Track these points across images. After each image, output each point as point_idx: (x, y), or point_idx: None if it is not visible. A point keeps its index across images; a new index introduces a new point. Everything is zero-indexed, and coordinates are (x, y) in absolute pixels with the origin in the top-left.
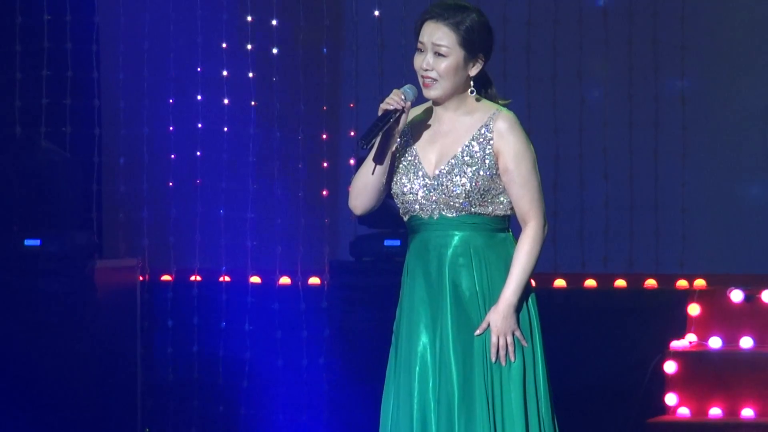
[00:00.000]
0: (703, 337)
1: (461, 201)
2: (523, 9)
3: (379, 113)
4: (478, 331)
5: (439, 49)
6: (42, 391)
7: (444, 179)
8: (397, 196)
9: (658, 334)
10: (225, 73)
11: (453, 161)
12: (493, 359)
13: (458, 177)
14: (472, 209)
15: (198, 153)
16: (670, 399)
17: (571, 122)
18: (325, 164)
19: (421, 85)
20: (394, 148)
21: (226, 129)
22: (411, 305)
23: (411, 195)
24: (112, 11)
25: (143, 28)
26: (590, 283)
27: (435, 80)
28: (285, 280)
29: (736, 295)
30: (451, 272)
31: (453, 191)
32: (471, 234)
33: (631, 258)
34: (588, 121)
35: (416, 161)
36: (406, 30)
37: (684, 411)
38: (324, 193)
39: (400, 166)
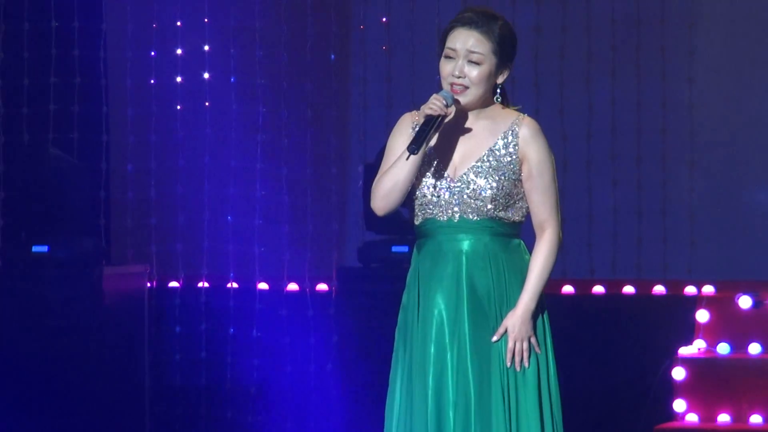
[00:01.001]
0: (712, 344)
1: (486, 204)
2: (531, 15)
3: (421, 118)
4: (495, 337)
5: (472, 57)
6: (50, 397)
7: (469, 182)
8: (417, 197)
9: (666, 340)
10: (233, 79)
11: (478, 164)
12: (508, 364)
13: (484, 180)
14: (495, 213)
15: (206, 159)
16: (679, 405)
17: (579, 128)
18: (334, 170)
19: (449, 91)
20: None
21: (233, 135)
22: (426, 308)
23: (433, 197)
24: (119, 18)
25: (151, 35)
26: (598, 289)
27: (466, 87)
28: (293, 286)
29: (745, 301)
30: (469, 276)
31: (479, 194)
32: (489, 238)
33: (639, 264)
34: (596, 127)
35: (437, 163)
36: (414, 36)
37: (692, 417)
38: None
39: (423, 168)
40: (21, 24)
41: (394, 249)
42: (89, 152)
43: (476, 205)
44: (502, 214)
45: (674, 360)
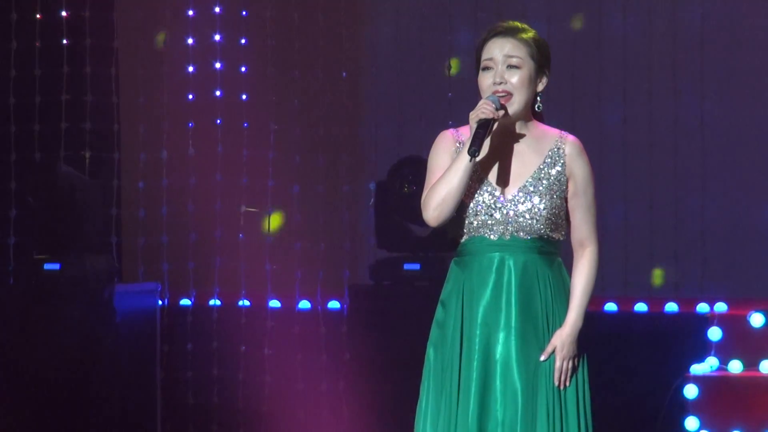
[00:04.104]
0: (724, 361)
1: (539, 223)
2: (542, 32)
3: (473, 123)
4: (543, 356)
5: (511, 61)
6: (62, 414)
7: (523, 201)
8: (467, 215)
9: (678, 358)
10: (244, 96)
11: (529, 184)
12: (557, 383)
13: (538, 199)
14: (546, 232)
15: (218, 177)
16: (691, 423)
17: (591, 145)
18: (345, 188)
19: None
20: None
21: (245, 152)
22: (472, 325)
23: (486, 216)
24: (131, 35)
25: (162, 52)
26: (610, 306)
27: (510, 94)
28: (305, 303)
29: (757, 319)
30: (521, 294)
31: (534, 213)
32: (537, 257)
33: (651, 281)
34: (607, 144)
35: (486, 181)
36: (425, 54)
37: None
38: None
39: (471, 186)
40: (33, 41)
41: (406, 267)
42: (101, 170)
43: (529, 224)
44: (551, 233)
45: (686, 378)
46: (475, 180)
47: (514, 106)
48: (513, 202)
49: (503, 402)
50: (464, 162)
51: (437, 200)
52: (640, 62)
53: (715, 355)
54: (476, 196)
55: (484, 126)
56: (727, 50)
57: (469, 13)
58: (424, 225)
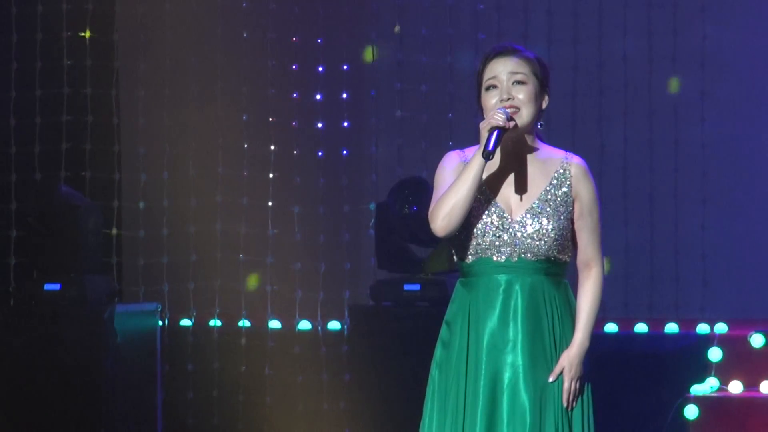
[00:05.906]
0: (725, 382)
1: (547, 245)
2: (543, 55)
3: (484, 132)
4: (552, 377)
5: (516, 77)
6: None
7: (531, 223)
8: (474, 236)
9: (678, 378)
10: (245, 117)
11: (536, 205)
12: (566, 404)
13: (546, 221)
14: (553, 253)
15: (218, 198)
16: None
17: (591, 167)
18: (346, 209)
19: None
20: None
21: (245, 173)
22: (478, 346)
23: (494, 237)
24: (132, 56)
25: (163, 73)
26: (611, 327)
27: (518, 108)
28: (305, 324)
29: (757, 340)
30: (528, 316)
31: (542, 235)
32: (544, 279)
33: (651, 302)
34: (607, 165)
35: (494, 203)
36: (425, 75)
37: None
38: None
39: (478, 207)
40: (33, 63)
41: (406, 287)
42: (101, 190)
43: (537, 245)
44: (557, 254)
45: (687, 398)
46: (483, 201)
47: (523, 119)
48: (521, 224)
49: (511, 423)
50: (473, 171)
51: (445, 210)
52: (641, 83)
53: (715, 376)
54: (484, 217)
55: (497, 133)
56: (728, 71)
57: (469, 34)
58: (425, 245)
